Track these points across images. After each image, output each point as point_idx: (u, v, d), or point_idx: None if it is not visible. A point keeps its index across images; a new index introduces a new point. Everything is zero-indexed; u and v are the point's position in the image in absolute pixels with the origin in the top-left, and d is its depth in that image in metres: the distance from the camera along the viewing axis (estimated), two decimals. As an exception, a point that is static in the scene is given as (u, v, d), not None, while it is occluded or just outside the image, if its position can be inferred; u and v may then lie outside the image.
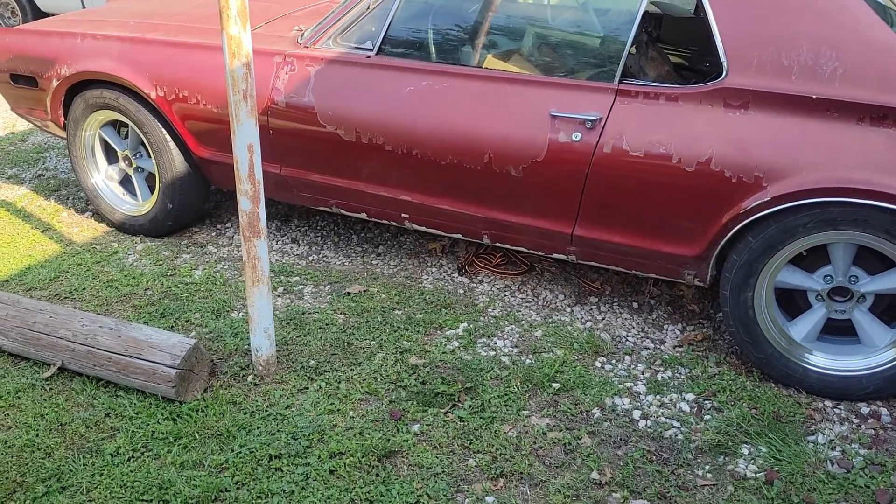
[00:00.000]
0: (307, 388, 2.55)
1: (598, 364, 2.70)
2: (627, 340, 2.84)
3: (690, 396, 2.53)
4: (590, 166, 2.59)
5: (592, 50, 2.80)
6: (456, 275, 3.28)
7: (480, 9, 3.10)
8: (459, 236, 3.01)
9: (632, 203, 2.59)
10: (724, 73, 2.43)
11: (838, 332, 2.57)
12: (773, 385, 2.57)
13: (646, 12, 2.61)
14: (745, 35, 2.41)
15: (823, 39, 2.33)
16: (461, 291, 3.16)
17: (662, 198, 2.53)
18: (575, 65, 2.81)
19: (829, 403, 2.49)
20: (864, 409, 2.46)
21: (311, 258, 3.45)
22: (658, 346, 2.81)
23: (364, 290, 3.14)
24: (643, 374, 2.65)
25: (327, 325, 2.90)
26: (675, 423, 2.41)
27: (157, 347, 2.44)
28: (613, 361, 2.71)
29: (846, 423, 2.41)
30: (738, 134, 2.40)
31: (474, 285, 3.21)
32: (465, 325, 2.91)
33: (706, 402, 2.50)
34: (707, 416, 2.43)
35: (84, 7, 7.12)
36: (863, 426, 2.39)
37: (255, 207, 2.36)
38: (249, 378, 2.59)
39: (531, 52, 2.95)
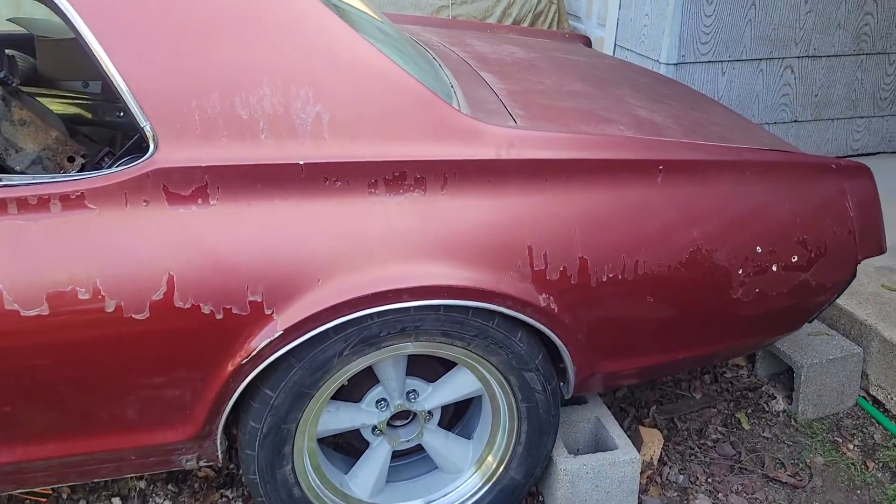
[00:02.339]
0: None
1: None
2: (119, 592, 1.71)
3: None
4: (-51, 353, 1.35)
5: None
6: None
7: None
8: None
9: (59, 395, 1.44)
10: (153, 145, 1.42)
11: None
12: (352, 573, 1.76)
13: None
14: (167, 78, 1.44)
15: (291, 73, 1.50)
16: None
17: (114, 370, 1.45)
18: None
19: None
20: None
21: None
22: (172, 578, 1.75)
23: None
24: None
25: None
26: None
27: None
28: None
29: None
30: (207, 242, 1.44)
31: None
32: None
33: None
34: None
35: None
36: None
37: None
38: None
39: None
